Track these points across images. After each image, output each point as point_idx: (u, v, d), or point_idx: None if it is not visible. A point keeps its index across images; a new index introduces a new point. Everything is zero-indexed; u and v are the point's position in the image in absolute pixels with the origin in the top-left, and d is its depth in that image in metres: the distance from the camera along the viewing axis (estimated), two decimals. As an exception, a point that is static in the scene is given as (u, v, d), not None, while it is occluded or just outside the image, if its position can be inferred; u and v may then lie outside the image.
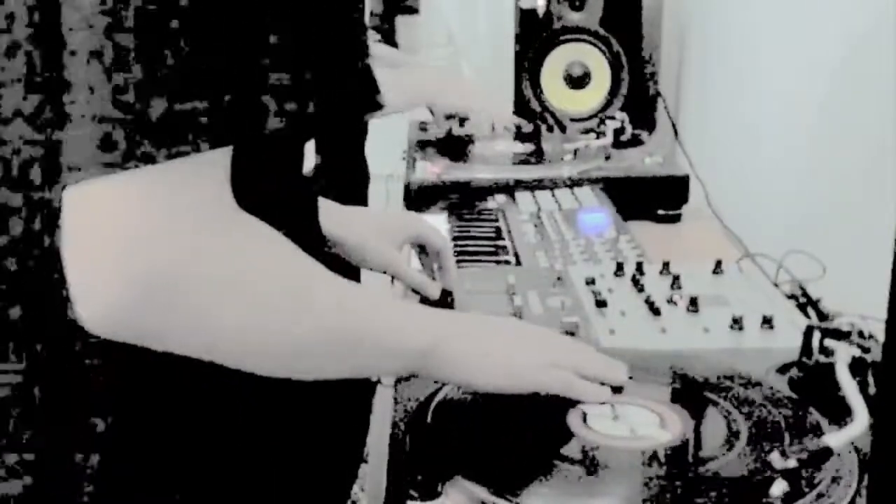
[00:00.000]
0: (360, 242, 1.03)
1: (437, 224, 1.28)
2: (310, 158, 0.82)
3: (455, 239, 1.39)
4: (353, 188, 1.73)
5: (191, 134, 0.57)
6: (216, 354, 0.64)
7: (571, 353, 0.83)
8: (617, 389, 0.82)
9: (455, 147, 1.84)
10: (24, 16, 0.59)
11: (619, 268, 1.17)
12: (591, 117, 2.06)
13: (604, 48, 2.09)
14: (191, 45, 0.57)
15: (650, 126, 2.10)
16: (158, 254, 0.58)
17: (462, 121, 1.85)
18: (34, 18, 0.58)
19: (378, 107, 0.71)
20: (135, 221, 0.57)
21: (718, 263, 1.17)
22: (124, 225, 0.57)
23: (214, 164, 0.60)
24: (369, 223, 1.06)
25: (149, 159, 0.57)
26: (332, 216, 0.95)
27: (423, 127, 2.00)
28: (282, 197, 0.72)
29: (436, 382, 0.85)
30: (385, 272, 1.07)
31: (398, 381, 0.89)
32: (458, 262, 1.20)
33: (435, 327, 0.77)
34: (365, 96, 0.69)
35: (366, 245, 1.04)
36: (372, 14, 2.26)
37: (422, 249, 1.11)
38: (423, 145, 1.87)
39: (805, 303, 1.06)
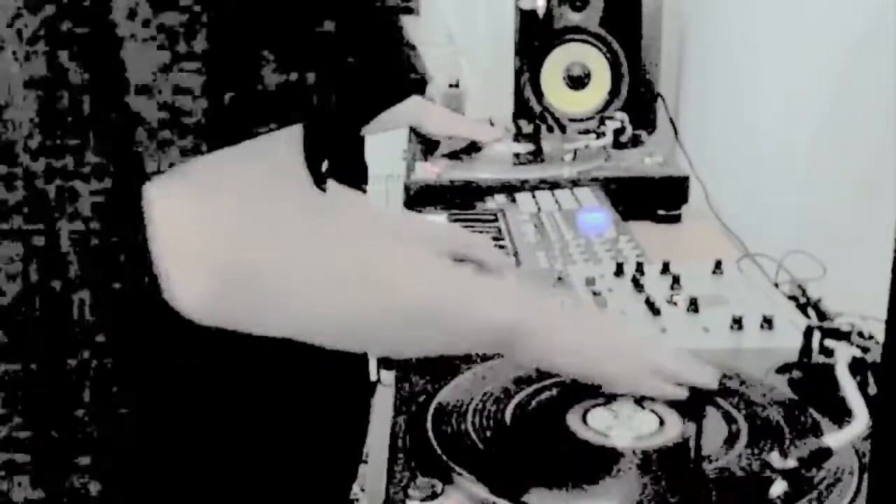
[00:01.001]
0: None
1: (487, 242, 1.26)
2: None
3: (455, 239, 1.38)
4: (352, 187, 1.73)
5: (258, 116, 0.58)
6: (303, 336, 0.66)
7: (652, 352, 0.83)
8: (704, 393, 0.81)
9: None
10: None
11: (619, 268, 1.17)
12: (591, 117, 2.06)
13: (604, 48, 2.09)
14: (239, 30, 0.57)
15: (650, 126, 2.10)
16: (238, 243, 0.59)
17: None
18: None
19: (422, 87, 0.71)
20: (213, 211, 0.59)
21: (718, 263, 1.17)
22: (203, 216, 0.58)
23: (286, 146, 0.61)
24: (421, 231, 1.07)
25: (218, 145, 0.57)
26: (385, 219, 0.96)
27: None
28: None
29: (438, 382, 0.85)
30: None
31: (398, 379, 0.89)
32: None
33: (514, 305, 0.78)
34: (404, 79, 0.69)
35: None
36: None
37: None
38: (423, 144, 1.88)
39: (805, 303, 1.06)
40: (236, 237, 0.59)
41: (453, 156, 1.80)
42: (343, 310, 0.66)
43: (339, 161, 0.77)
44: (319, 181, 0.79)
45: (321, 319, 0.66)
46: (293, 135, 0.61)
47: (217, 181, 0.59)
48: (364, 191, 1.85)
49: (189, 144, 0.57)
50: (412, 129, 1.98)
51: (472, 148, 1.86)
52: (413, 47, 0.68)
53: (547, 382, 0.86)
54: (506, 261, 1.09)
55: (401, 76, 0.67)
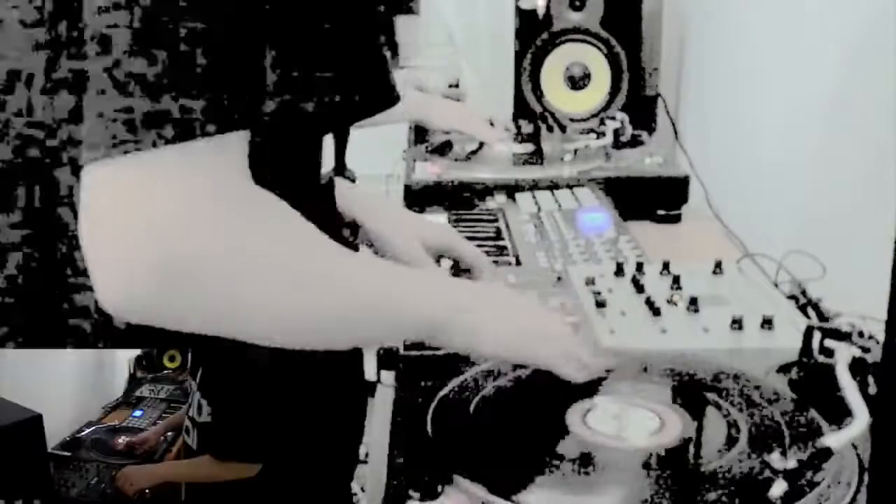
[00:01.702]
0: (388, 237, 1.06)
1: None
2: (327, 163, 0.82)
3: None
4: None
5: (200, 119, 0.57)
6: (237, 333, 0.65)
7: (569, 333, 0.87)
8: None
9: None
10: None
11: (619, 268, 1.17)
12: (591, 117, 2.06)
13: (604, 48, 2.09)
14: (204, 33, 0.57)
15: (650, 126, 2.10)
16: (177, 238, 0.58)
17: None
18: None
19: (394, 101, 0.71)
20: (152, 206, 0.57)
21: (718, 263, 1.17)
22: (142, 210, 0.57)
23: (230, 148, 0.61)
24: (408, 228, 1.07)
25: (163, 142, 0.57)
26: (361, 203, 0.97)
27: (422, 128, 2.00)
28: (299, 199, 0.73)
29: (434, 380, 0.85)
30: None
31: (399, 378, 0.89)
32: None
33: (446, 297, 0.79)
34: (379, 92, 0.69)
35: (394, 241, 1.05)
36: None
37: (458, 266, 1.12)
38: (425, 144, 1.88)
39: (805, 303, 1.06)
40: (176, 231, 0.58)
41: (455, 156, 1.80)
42: (284, 308, 0.66)
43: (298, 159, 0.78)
44: (313, 174, 0.79)
45: (260, 317, 0.65)
46: (239, 136, 0.61)
47: (158, 176, 0.58)
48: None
49: (132, 138, 0.56)
50: (417, 128, 1.99)
51: (480, 148, 1.87)
52: (386, 61, 0.69)
53: (547, 382, 0.86)
54: (485, 259, 1.10)
55: (375, 89, 0.67)
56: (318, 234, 0.68)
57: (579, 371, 0.83)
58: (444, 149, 1.87)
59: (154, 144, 0.56)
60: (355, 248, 1.03)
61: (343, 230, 1.00)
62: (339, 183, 0.95)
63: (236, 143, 0.61)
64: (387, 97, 0.70)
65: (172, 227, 0.58)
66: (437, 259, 1.09)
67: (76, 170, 0.59)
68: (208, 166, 0.59)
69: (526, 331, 0.83)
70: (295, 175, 0.74)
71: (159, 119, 0.57)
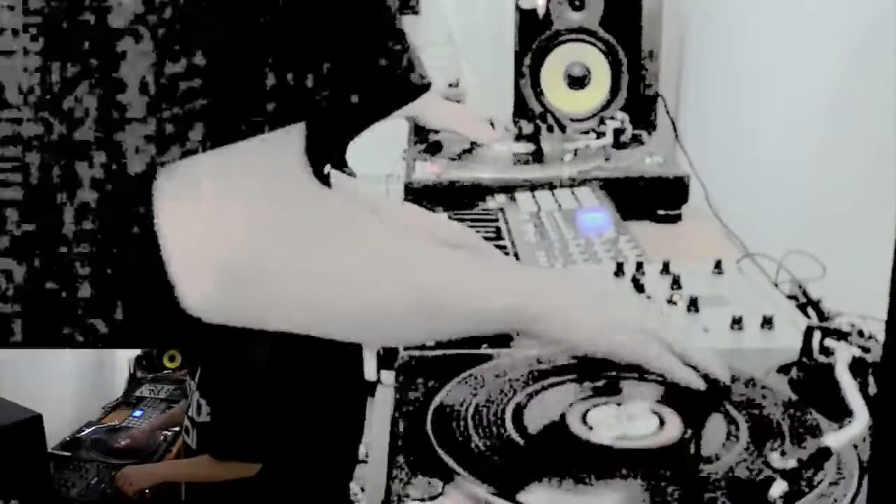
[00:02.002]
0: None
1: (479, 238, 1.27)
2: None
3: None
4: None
5: (255, 116, 0.58)
6: (314, 329, 0.66)
7: (672, 334, 0.82)
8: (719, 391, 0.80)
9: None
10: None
11: (619, 268, 1.17)
12: (591, 117, 2.06)
13: (604, 48, 2.09)
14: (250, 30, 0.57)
15: (650, 126, 2.10)
16: (243, 238, 0.59)
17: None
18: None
19: (425, 90, 0.71)
20: (216, 210, 0.58)
21: (718, 263, 1.17)
22: (206, 214, 0.58)
23: (288, 143, 0.61)
24: (418, 223, 1.07)
25: (220, 143, 0.57)
26: (380, 208, 0.96)
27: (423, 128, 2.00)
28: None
29: (438, 382, 0.85)
30: None
31: (399, 378, 0.89)
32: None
33: (527, 283, 0.78)
34: (412, 80, 0.69)
35: None
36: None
37: None
38: (422, 144, 1.88)
39: (805, 303, 1.06)
40: (239, 235, 0.59)
41: (453, 156, 1.80)
42: (355, 303, 0.66)
43: (322, 162, 0.77)
44: (322, 176, 0.79)
45: (327, 314, 0.66)
46: (297, 132, 0.61)
47: (221, 179, 0.59)
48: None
49: (189, 142, 0.57)
50: (413, 124, 1.99)
51: (472, 148, 1.86)
52: (413, 49, 0.68)
53: (547, 382, 0.86)
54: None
55: (403, 79, 0.67)
56: (385, 228, 0.68)
57: (682, 366, 0.80)
58: (434, 149, 1.87)
59: (211, 146, 0.57)
60: None
61: None
62: (341, 178, 0.95)
63: (294, 137, 0.61)
64: (419, 84, 0.69)
65: (238, 228, 0.59)
66: None
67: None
68: (269, 163, 0.60)
69: (629, 323, 0.80)
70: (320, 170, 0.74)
71: (216, 119, 0.57)
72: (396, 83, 0.66)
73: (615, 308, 0.82)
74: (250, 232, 0.60)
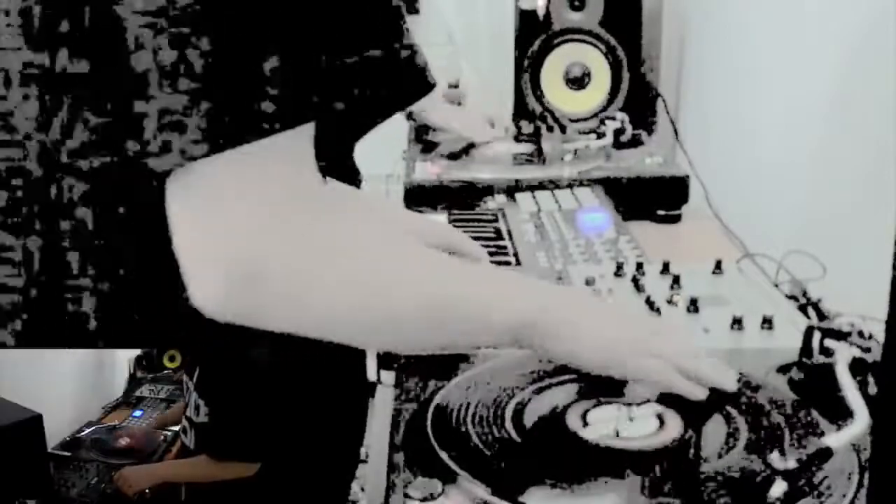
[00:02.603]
0: None
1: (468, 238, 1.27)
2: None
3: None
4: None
5: (267, 117, 0.58)
6: (318, 331, 0.66)
7: (674, 348, 0.81)
8: (722, 395, 0.79)
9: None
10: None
11: (619, 268, 1.17)
12: (591, 117, 2.06)
13: (604, 48, 2.09)
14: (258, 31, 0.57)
15: (650, 126, 2.10)
16: (250, 238, 0.60)
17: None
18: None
19: (429, 90, 0.70)
20: (227, 209, 0.59)
21: (718, 263, 1.17)
22: (215, 215, 0.59)
23: (297, 144, 0.61)
24: (409, 225, 1.07)
25: (228, 145, 0.57)
26: (376, 213, 0.96)
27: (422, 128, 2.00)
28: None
29: (438, 382, 0.85)
30: None
31: (398, 379, 0.89)
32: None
33: (533, 298, 0.77)
34: (417, 78, 0.69)
35: None
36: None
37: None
38: (422, 145, 1.88)
39: (805, 303, 1.06)
40: (249, 236, 0.60)
41: (453, 156, 1.80)
42: (359, 307, 0.66)
43: (330, 162, 0.77)
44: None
45: (337, 317, 0.66)
46: (305, 134, 0.61)
47: (230, 180, 0.59)
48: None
49: (196, 144, 0.57)
50: (415, 124, 1.99)
51: (470, 147, 1.86)
52: (419, 48, 0.68)
53: (547, 382, 0.86)
54: (486, 256, 1.09)
55: (410, 78, 0.67)
56: (393, 232, 0.68)
57: (691, 386, 0.78)
58: (433, 148, 1.87)
59: (224, 147, 0.57)
60: None
61: None
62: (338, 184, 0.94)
63: (303, 138, 0.61)
64: (424, 83, 0.69)
65: (245, 228, 0.59)
66: None
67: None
68: (278, 164, 0.60)
69: (633, 341, 0.79)
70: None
71: (227, 121, 0.57)
72: (402, 82, 0.66)
73: (620, 325, 0.81)
74: (260, 232, 0.60)
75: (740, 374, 0.87)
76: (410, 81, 0.67)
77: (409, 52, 0.66)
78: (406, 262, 0.70)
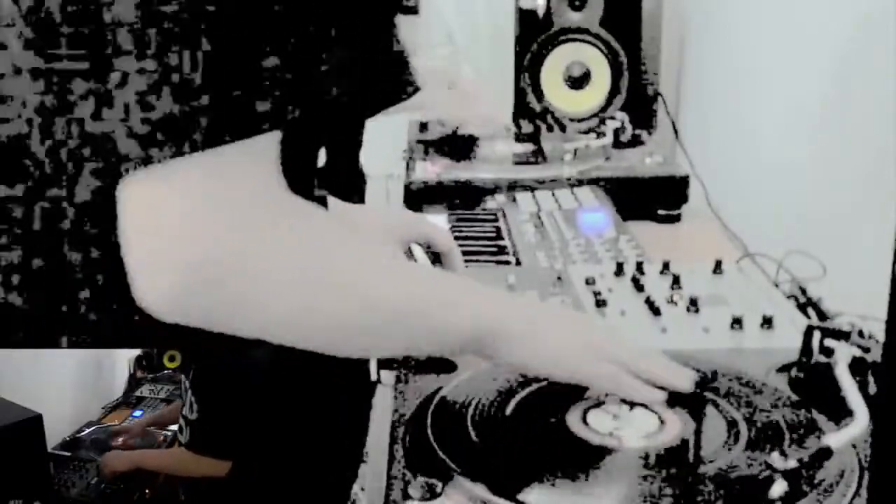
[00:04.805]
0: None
1: (437, 224, 1.27)
2: (321, 157, 0.82)
3: (455, 239, 1.38)
4: (350, 188, 1.74)
5: (232, 123, 0.58)
6: (269, 335, 0.65)
7: (627, 352, 0.80)
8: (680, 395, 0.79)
9: (457, 146, 1.85)
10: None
11: (619, 268, 1.17)
12: (591, 117, 2.06)
13: (604, 48, 2.09)
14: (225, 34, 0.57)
15: (650, 126, 2.10)
16: (208, 242, 0.59)
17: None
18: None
19: (412, 91, 0.70)
20: (184, 211, 0.59)
21: (718, 263, 1.17)
22: (175, 215, 0.59)
23: (258, 151, 0.61)
24: (376, 222, 1.06)
25: (194, 149, 0.58)
26: (339, 214, 0.96)
27: (423, 127, 2.00)
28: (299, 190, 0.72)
29: (438, 382, 0.85)
30: None
31: (398, 379, 0.89)
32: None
33: (490, 307, 0.77)
34: (394, 82, 0.69)
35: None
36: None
37: (429, 250, 1.11)
38: (423, 144, 1.88)
39: (805, 303, 1.06)
40: (210, 240, 0.59)
41: (454, 155, 1.80)
42: (315, 311, 0.66)
43: (333, 166, 0.77)
44: (308, 186, 0.79)
45: (292, 321, 0.66)
46: (272, 139, 0.61)
47: (189, 182, 0.59)
48: (362, 195, 1.85)
49: (161, 147, 0.57)
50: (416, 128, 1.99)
51: (471, 143, 1.86)
52: (405, 52, 0.68)
53: (547, 382, 0.86)
54: (455, 249, 1.08)
55: (394, 80, 0.67)
56: (347, 237, 0.68)
57: (645, 389, 0.78)
58: (431, 145, 1.86)
59: (182, 152, 0.57)
60: None
61: None
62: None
63: (265, 146, 0.61)
64: (406, 86, 0.69)
65: (194, 232, 0.59)
66: (408, 248, 1.08)
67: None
68: (235, 171, 0.60)
69: (586, 348, 0.78)
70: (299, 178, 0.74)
71: (186, 126, 0.57)
72: (387, 84, 0.66)
73: (573, 332, 0.80)
74: (222, 236, 0.60)
75: (740, 374, 0.87)
76: (394, 82, 0.67)
77: (397, 53, 0.66)
78: (356, 268, 0.69)
